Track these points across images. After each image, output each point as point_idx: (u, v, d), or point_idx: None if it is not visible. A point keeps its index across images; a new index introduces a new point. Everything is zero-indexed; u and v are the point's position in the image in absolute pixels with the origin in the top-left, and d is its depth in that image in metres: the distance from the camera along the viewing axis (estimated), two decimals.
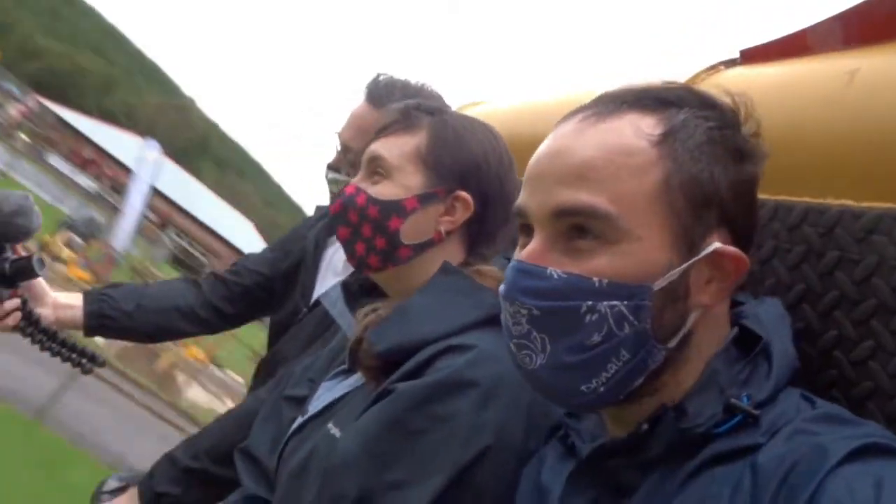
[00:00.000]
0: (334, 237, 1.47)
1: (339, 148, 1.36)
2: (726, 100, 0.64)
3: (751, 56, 0.95)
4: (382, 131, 0.95)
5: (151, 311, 1.42)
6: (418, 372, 0.80)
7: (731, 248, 0.60)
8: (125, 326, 1.40)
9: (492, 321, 0.83)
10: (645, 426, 0.60)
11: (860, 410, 0.65)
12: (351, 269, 1.34)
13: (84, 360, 1.32)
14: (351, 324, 0.97)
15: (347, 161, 1.34)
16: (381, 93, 1.33)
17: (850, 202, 0.70)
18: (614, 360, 0.58)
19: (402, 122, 0.95)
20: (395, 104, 0.98)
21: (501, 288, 0.62)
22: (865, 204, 0.68)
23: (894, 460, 0.49)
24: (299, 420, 0.96)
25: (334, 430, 0.86)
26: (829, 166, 0.74)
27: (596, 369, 0.58)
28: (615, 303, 0.57)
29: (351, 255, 0.94)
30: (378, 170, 0.93)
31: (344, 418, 0.87)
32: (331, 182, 1.36)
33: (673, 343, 0.59)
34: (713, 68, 0.99)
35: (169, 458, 1.23)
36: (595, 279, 0.57)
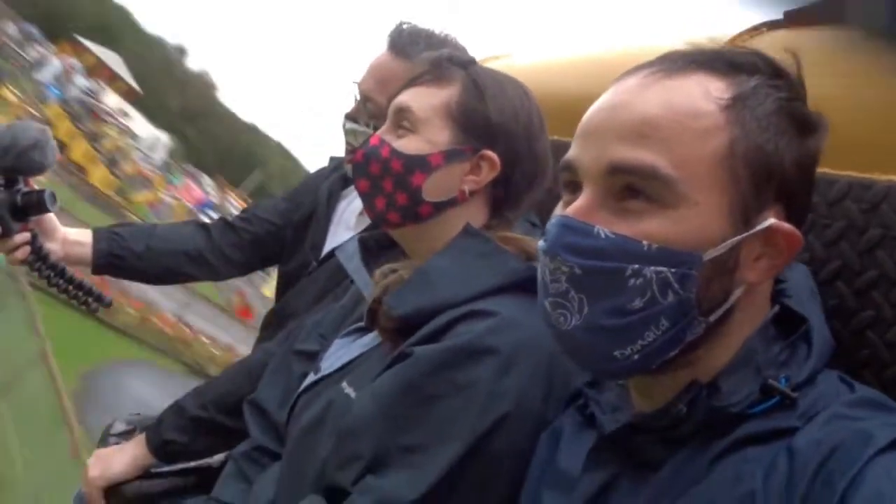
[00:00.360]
0: (348, 190, 1.44)
1: (357, 98, 1.32)
2: (789, 60, 0.60)
3: (796, 18, 0.90)
4: (412, 82, 0.91)
5: (161, 254, 1.40)
6: (437, 336, 0.78)
7: (787, 226, 0.57)
8: (134, 267, 1.38)
9: (513, 287, 0.81)
10: (683, 408, 0.58)
11: (892, 393, 0.63)
12: (364, 224, 1.31)
13: (90, 300, 1.32)
14: (367, 281, 0.94)
15: (367, 111, 1.29)
16: (405, 42, 1.27)
17: None
18: (653, 329, 0.55)
19: (433, 74, 0.90)
20: (427, 54, 0.94)
21: (541, 242, 0.59)
22: None
23: None
24: (312, 377, 0.95)
25: (349, 390, 0.85)
26: (878, 140, 0.70)
27: (633, 336, 0.56)
28: (662, 269, 0.54)
29: (370, 208, 0.91)
30: (404, 122, 0.89)
31: (359, 379, 0.85)
32: (348, 132, 1.31)
33: (714, 317, 0.57)
34: (755, 29, 0.94)
35: (177, 407, 1.23)
36: (644, 242, 0.54)
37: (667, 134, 0.55)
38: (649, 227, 0.55)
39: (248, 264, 1.53)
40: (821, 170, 0.74)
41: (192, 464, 1.26)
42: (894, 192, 0.66)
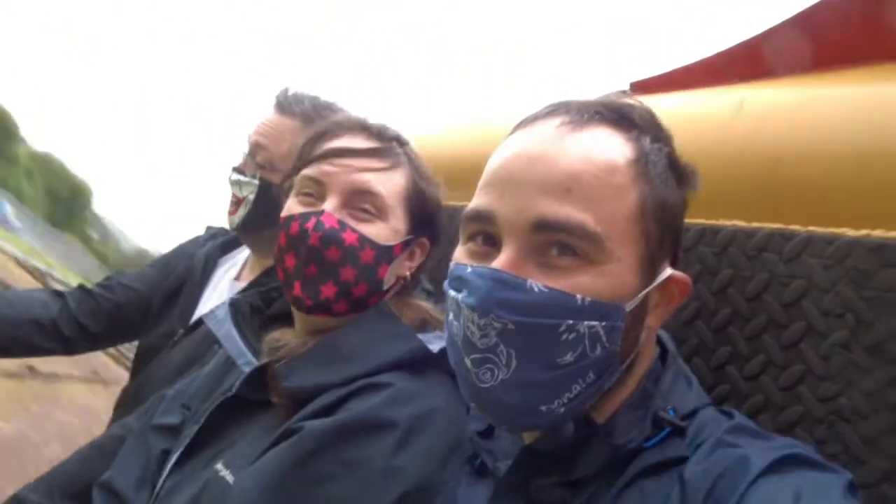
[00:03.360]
0: (226, 257, 1.38)
1: (245, 152, 1.29)
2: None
3: (642, 87, 0.99)
4: (362, 155, 0.84)
5: (6, 321, 1.24)
6: (329, 411, 0.73)
7: (681, 274, 0.61)
8: None
9: (406, 364, 0.79)
10: (571, 426, 0.58)
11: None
12: (236, 290, 1.25)
13: None
14: (240, 348, 0.87)
15: (255, 163, 1.27)
16: (290, 101, 1.28)
17: (741, 222, 0.73)
18: (580, 381, 0.55)
19: (385, 153, 0.86)
20: (370, 124, 0.88)
21: (465, 297, 0.56)
22: (756, 224, 0.72)
23: (813, 471, 0.51)
24: (177, 453, 0.86)
25: (224, 473, 0.76)
26: (720, 191, 0.77)
27: (561, 389, 0.55)
28: (594, 323, 0.54)
29: (309, 295, 0.81)
30: (366, 206, 0.83)
31: (236, 459, 0.77)
32: (234, 184, 1.27)
33: (625, 364, 0.59)
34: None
35: (15, 499, 1.06)
36: (578, 297, 0.54)
37: (590, 190, 0.55)
38: (581, 282, 0.54)
39: (106, 336, 1.38)
40: None
41: None
42: (739, 235, 0.73)
